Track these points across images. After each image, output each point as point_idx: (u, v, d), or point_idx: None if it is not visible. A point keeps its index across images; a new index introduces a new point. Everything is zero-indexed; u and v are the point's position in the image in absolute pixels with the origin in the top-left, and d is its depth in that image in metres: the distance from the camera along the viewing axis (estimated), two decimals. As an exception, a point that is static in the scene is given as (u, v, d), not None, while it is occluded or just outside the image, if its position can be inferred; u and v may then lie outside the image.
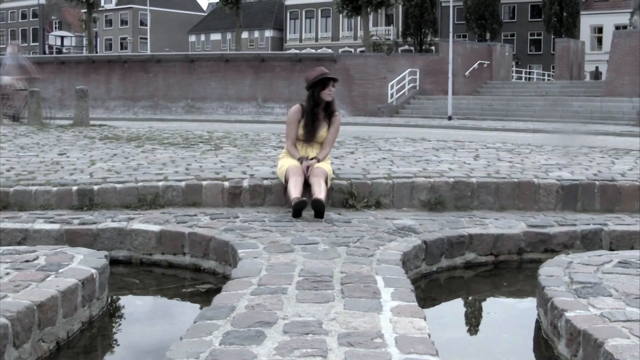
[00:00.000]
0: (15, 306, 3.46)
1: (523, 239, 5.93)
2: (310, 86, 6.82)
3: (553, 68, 52.73)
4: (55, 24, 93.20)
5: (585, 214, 6.87)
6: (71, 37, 78.29)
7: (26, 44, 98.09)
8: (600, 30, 73.98)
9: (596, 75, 52.10)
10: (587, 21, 73.15)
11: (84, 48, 61.70)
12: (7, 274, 4.11)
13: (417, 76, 35.83)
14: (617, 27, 63.69)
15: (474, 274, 5.67)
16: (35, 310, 3.54)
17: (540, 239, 5.97)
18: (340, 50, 68.12)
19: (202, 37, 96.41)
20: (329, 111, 6.89)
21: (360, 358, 2.92)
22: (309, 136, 6.81)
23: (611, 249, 5.72)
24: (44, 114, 19.81)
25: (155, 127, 17.95)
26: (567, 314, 3.54)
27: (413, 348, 3.04)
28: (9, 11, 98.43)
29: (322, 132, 6.84)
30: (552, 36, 66.46)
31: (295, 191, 6.32)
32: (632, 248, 5.80)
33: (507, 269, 5.78)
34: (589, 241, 6.04)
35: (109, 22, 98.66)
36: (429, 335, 3.22)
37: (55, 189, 6.90)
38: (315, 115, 6.81)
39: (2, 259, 4.47)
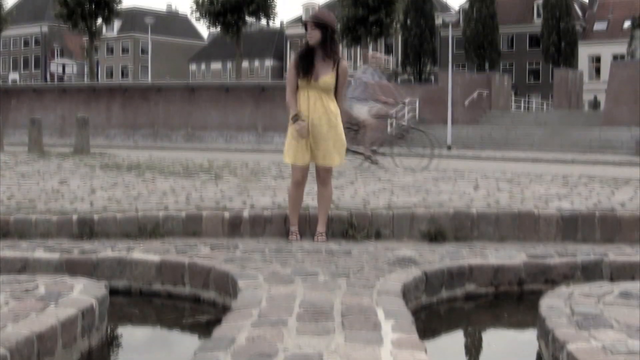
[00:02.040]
0: (15, 336, 3.44)
1: (523, 270, 5.92)
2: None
3: (552, 97, 52.98)
4: (58, 51, 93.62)
5: (585, 245, 6.86)
6: (73, 64, 78.53)
7: (28, 71, 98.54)
8: (598, 59, 74.40)
9: (595, 104, 52.32)
10: (585, 51, 73.61)
11: (86, 76, 61.90)
12: (7, 303, 4.10)
13: (417, 106, 35.91)
14: (615, 57, 64.09)
15: (475, 305, 5.65)
16: (34, 341, 3.53)
17: (540, 269, 5.95)
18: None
19: (203, 66, 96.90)
20: (327, 54, 6.61)
21: (361, 391, 2.91)
22: (306, 73, 6.54)
23: (612, 280, 5.70)
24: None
25: (156, 156, 17.98)
26: (569, 346, 3.52)
27: (414, 381, 3.03)
28: (12, 38, 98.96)
29: (327, 77, 6.56)
30: (551, 66, 66.85)
31: (293, 220, 6.79)
32: (633, 279, 5.78)
33: (508, 300, 5.76)
34: (590, 272, 6.02)
35: (111, 50, 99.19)
36: (430, 368, 3.21)
37: (55, 217, 6.90)
38: (309, 54, 6.63)
39: (1, 287, 4.46)
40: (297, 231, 6.73)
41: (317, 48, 6.57)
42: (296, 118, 6.52)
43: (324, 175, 6.68)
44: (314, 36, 6.56)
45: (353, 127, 14.94)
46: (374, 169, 13.20)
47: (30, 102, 41.80)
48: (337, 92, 6.67)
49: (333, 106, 6.62)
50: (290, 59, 7.01)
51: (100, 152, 19.09)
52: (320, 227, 6.72)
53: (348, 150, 13.91)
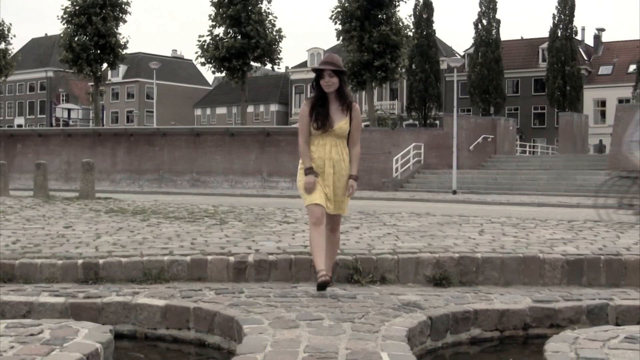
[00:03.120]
0: (20, 382, 3.45)
1: (529, 314, 5.91)
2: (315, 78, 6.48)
3: (557, 142, 53.08)
4: (63, 96, 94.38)
5: (590, 289, 6.85)
6: (78, 109, 79.07)
7: (33, 116, 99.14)
8: (603, 103, 74.61)
9: (600, 148, 52.36)
10: (590, 95, 73.87)
11: (91, 121, 62.32)
12: (12, 347, 4.10)
13: (422, 150, 36.02)
14: (620, 101, 64.29)
15: (480, 349, 5.63)
16: (39, 386, 3.53)
17: (546, 314, 5.94)
18: (345, 123, 68.53)
19: (208, 111, 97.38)
20: (343, 100, 6.40)
21: None
22: (322, 124, 6.29)
23: (617, 324, 5.69)
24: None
25: (161, 201, 18.02)
26: (574, 392, 3.51)
27: None
28: (18, 83, 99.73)
29: (342, 123, 6.32)
30: (556, 110, 67.05)
31: (319, 262, 6.18)
32: (638, 323, 5.76)
33: (513, 344, 5.75)
34: (595, 316, 6.01)
35: (116, 95, 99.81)
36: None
37: (60, 262, 6.92)
38: (324, 101, 6.37)
39: (6, 332, 4.46)
40: (326, 273, 6.14)
41: (331, 95, 6.37)
42: (309, 172, 6.30)
43: (335, 223, 6.50)
44: (334, 84, 6.33)
45: (631, 175, 12.63)
46: (379, 213, 13.19)
47: (36, 147, 42.06)
48: (350, 136, 6.44)
49: (346, 153, 6.42)
50: (301, 106, 6.55)
51: (106, 197, 19.14)
52: (329, 270, 6.43)
53: (620, 203, 12.76)
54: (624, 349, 4.30)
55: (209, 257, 7.05)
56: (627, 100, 64.48)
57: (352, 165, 6.40)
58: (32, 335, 4.41)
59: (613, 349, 4.30)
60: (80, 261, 6.93)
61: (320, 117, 6.32)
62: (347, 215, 6.76)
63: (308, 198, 6.30)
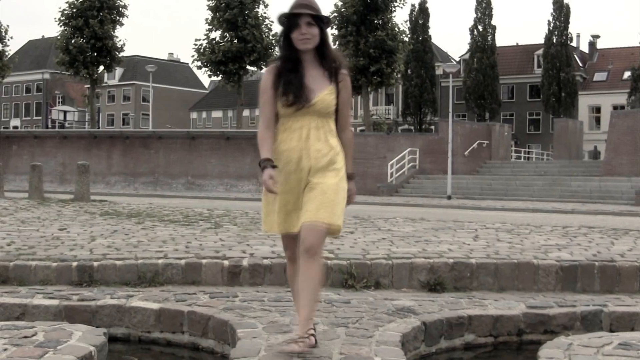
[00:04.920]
0: (13, 384, 3.44)
1: (523, 320, 5.91)
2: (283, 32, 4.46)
3: (552, 147, 53.20)
4: (59, 98, 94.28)
5: (585, 295, 6.86)
6: (74, 111, 79.11)
7: (29, 118, 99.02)
8: (598, 110, 74.80)
9: (595, 154, 52.45)
10: (585, 101, 74.07)
11: (87, 123, 62.28)
12: (5, 349, 4.09)
13: (417, 155, 36.05)
14: (615, 107, 64.44)
15: (474, 355, 5.64)
16: (33, 389, 3.52)
17: (539, 320, 5.94)
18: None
19: (204, 114, 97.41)
20: (326, 62, 4.46)
21: None
22: (295, 97, 4.33)
23: (611, 331, 5.70)
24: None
25: (156, 204, 18.01)
26: (567, 398, 3.52)
27: None
28: (14, 85, 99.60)
29: (325, 94, 4.36)
30: (551, 116, 67.22)
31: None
32: (632, 329, 5.77)
33: (507, 350, 5.75)
34: (589, 322, 6.01)
35: (112, 98, 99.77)
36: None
37: (55, 264, 6.91)
38: (296, 64, 4.42)
39: (0, 334, 4.46)
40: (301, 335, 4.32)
41: (307, 55, 4.42)
42: (266, 165, 4.26)
43: (312, 242, 4.22)
44: (313, 37, 4.37)
45: None
46: (374, 218, 13.19)
47: (31, 149, 42.01)
48: (338, 116, 4.49)
49: (335, 141, 4.43)
50: (263, 76, 4.56)
51: (101, 200, 19.13)
52: (303, 326, 4.32)
53: None
54: (618, 355, 4.31)
55: (204, 261, 7.04)
56: (622, 107, 64.62)
57: (347, 159, 4.49)
58: (25, 337, 4.40)
59: (607, 355, 4.30)
60: (74, 264, 6.92)
61: (291, 86, 4.35)
62: (338, 228, 4.25)
63: (271, 223, 4.48)
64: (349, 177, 4.49)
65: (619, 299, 6.65)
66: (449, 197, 30.39)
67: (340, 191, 4.35)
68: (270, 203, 4.45)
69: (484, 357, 5.65)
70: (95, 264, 6.93)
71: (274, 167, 4.25)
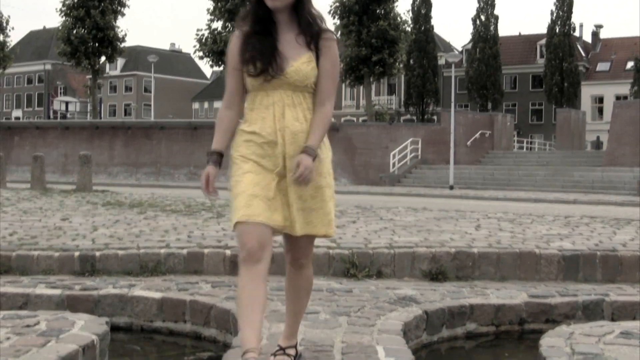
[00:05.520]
0: (16, 372, 3.45)
1: (524, 310, 5.91)
2: None
3: (554, 138, 53.12)
4: (61, 89, 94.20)
5: (586, 285, 6.86)
6: (76, 102, 79.07)
7: (31, 109, 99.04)
8: (601, 100, 74.67)
9: (597, 145, 52.39)
10: (588, 91, 73.94)
11: (88, 113, 62.27)
12: (8, 338, 4.10)
13: (419, 146, 36.01)
14: (618, 97, 64.27)
15: (475, 344, 5.64)
16: (35, 377, 3.53)
17: (541, 309, 5.95)
18: (342, 119, 68.63)
19: (206, 105, 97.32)
20: (304, 24, 3.67)
21: None
22: (264, 65, 3.59)
23: (613, 320, 5.70)
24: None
25: (158, 194, 18.01)
26: (569, 386, 3.52)
27: (414, 419, 3.04)
28: (15, 76, 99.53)
29: (300, 63, 3.61)
30: (554, 106, 67.05)
31: (246, 332, 3.54)
32: (634, 319, 5.78)
33: (509, 339, 5.76)
34: (591, 312, 6.01)
35: (114, 88, 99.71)
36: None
37: (57, 254, 6.92)
38: (267, 26, 3.67)
39: (3, 323, 4.46)
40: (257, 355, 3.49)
41: (281, 15, 3.67)
42: (209, 159, 3.82)
43: (302, 251, 3.81)
44: None
45: None
46: (376, 208, 13.17)
47: (33, 140, 42.00)
48: (318, 88, 3.69)
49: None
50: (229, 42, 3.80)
51: (103, 190, 19.13)
52: (286, 339, 3.92)
53: None
54: (620, 344, 4.30)
55: (206, 250, 7.05)
56: (625, 97, 64.48)
57: (312, 130, 3.62)
58: (28, 326, 4.41)
59: (608, 344, 4.30)
60: (77, 253, 6.94)
61: (260, 52, 3.61)
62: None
63: (237, 209, 3.62)
64: (306, 151, 3.53)
65: (621, 289, 6.65)
66: (451, 187, 30.37)
67: (332, 196, 3.75)
68: (239, 181, 3.69)
69: (485, 346, 5.65)
70: (98, 253, 6.94)
71: (218, 162, 3.75)
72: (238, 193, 3.61)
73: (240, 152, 3.69)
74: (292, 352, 3.84)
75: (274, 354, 3.82)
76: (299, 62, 3.59)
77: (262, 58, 3.57)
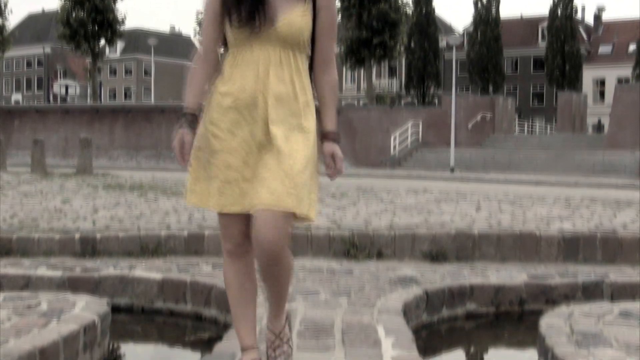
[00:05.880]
0: (17, 351, 3.46)
1: (524, 290, 5.92)
2: None
3: (555, 121, 53.09)
4: (60, 72, 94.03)
5: (586, 266, 6.87)
6: (75, 86, 78.90)
7: (31, 93, 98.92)
8: (602, 83, 74.56)
9: (599, 128, 52.37)
10: (589, 74, 73.79)
11: (88, 97, 62.18)
12: (9, 319, 4.12)
13: (420, 128, 35.99)
14: (620, 81, 64.17)
15: (475, 324, 5.66)
16: (36, 355, 3.54)
17: (541, 290, 5.96)
18: (343, 102, 68.54)
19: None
20: None
21: (361, 406, 2.93)
22: (249, 15, 3.05)
23: (612, 301, 5.71)
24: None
25: (158, 177, 18.02)
26: (568, 365, 3.53)
27: (413, 397, 3.05)
28: (15, 59, 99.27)
29: (294, 15, 3.06)
30: (555, 89, 66.94)
31: (242, 332, 3.34)
32: (633, 299, 5.79)
33: (508, 319, 5.77)
34: (591, 293, 6.02)
35: (113, 72, 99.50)
36: (429, 385, 3.22)
37: (58, 236, 6.93)
38: None
39: (4, 304, 4.48)
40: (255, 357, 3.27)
41: None
42: (182, 121, 3.17)
43: (272, 241, 2.98)
44: None
45: None
46: (377, 190, 13.17)
47: (33, 123, 41.97)
48: (315, 47, 3.18)
49: (305, 87, 3.14)
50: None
51: (103, 173, 19.14)
52: (272, 323, 3.39)
53: None
54: (619, 324, 4.31)
55: (206, 232, 7.06)
56: (627, 80, 64.36)
57: (326, 111, 3.20)
58: (29, 307, 4.43)
59: (608, 324, 4.31)
60: (77, 235, 6.94)
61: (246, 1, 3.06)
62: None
63: (210, 195, 3.16)
64: (334, 138, 3.15)
65: (621, 270, 6.66)
66: (452, 170, 30.38)
67: (309, 165, 3.02)
68: (201, 165, 3.16)
69: (485, 327, 5.67)
70: (98, 235, 6.95)
71: (193, 125, 3.14)
72: (212, 177, 3.10)
73: (212, 118, 3.10)
74: (285, 333, 3.38)
75: (273, 347, 3.33)
76: (291, 14, 3.05)
77: (248, 7, 3.04)
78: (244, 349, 3.26)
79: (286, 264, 3.14)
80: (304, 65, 3.13)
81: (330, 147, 3.13)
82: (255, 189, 2.98)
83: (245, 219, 3.09)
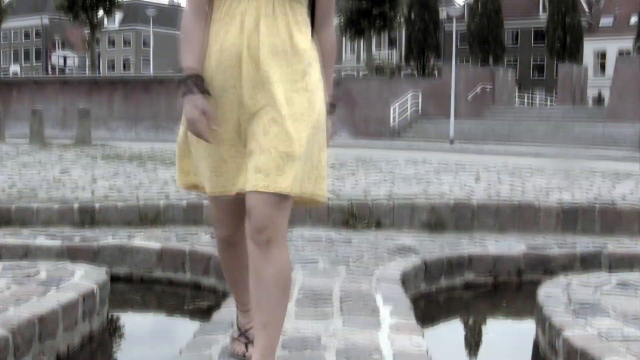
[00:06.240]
0: (16, 318, 3.47)
1: (523, 260, 5.94)
2: None
3: (556, 93, 52.95)
4: (59, 43, 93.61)
5: (585, 237, 6.87)
6: (74, 57, 78.59)
7: (29, 64, 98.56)
8: (603, 55, 74.24)
9: (599, 100, 52.27)
10: (590, 46, 73.44)
11: (87, 68, 61.94)
12: (9, 288, 4.13)
13: (420, 100, 35.92)
14: (621, 53, 63.93)
15: (473, 294, 5.68)
16: (35, 323, 3.56)
17: (539, 260, 5.97)
18: (343, 73, 68.34)
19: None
20: None
21: (358, 373, 2.94)
22: None
23: (610, 271, 5.73)
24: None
25: (157, 148, 18.00)
26: (565, 333, 3.54)
27: (411, 364, 3.06)
28: (12, 31, 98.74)
29: None
30: (556, 61, 66.69)
31: (245, 293, 2.94)
32: (631, 270, 5.80)
33: (507, 289, 5.79)
34: (589, 263, 6.04)
35: (112, 43, 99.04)
36: (427, 352, 3.23)
37: (57, 206, 6.93)
38: None
39: (3, 273, 4.49)
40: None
41: None
42: (191, 85, 2.60)
43: (265, 220, 2.52)
44: None
45: None
46: (376, 160, 13.16)
47: (32, 95, 41.83)
48: (319, 6, 2.77)
49: (306, 40, 2.67)
50: None
51: (102, 144, 19.12)
52: (261, 352, 2.62)
53: None
54: (616, 294, 4.33)
55: (205, 201, 7.03)
56: (628, 53, 64.11)
57: (325, 72, 2.74)
58: (28, 276, 4.44)
59: (605, 293, 4.33)
60: (76, 205, 6.95)
61: None
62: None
63: (202, 176, 2.81)
64: (327, 109, 2.68)
65: (619, 241, 6.67)
66: (452, 141, 30.35)
67: (315, 132, 2.57)
68: (190, 141, 2.77)
69: (483, 296, 5.69)
70: (97, 205, 6.95)
71: (200, 85, 2.59)
72: (204, 156, 2.68)
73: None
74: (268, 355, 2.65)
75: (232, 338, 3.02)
76: None
77: None
78: (245, 310, 2.98)
79: (281, 266, 2.58)
80: (303, 16, 2.66)
81: (330, 119, 2.72)
82: (246, 166, 2.57)
83: (238, 205, 2.64)
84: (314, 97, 2.58)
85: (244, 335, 3.02)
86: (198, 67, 2.62)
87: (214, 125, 2.57)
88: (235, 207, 2.71)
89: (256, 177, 2.47)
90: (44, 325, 3.63)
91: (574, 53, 66.96)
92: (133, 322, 5.04)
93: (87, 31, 54.41)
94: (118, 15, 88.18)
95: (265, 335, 2.59)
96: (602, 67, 74.04)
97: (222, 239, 2.89)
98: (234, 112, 2.60)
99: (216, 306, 4.33)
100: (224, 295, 4.91)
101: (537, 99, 55.79)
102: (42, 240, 6.07)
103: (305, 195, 2.54)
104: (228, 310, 3.84)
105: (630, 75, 32.37)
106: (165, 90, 39.95)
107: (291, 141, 2.47)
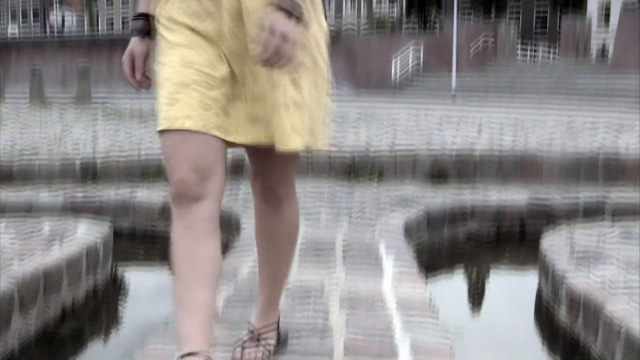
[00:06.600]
0: (21, 273, 3.48)
1: (525, 210, 5.93)
2: None
3: (559, 46, 52.63)
4: (56, 3, 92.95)
5: (588, 187, 6.87)
6: (72, 16, 78.09)
7: (27, 24, 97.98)
8: (607, 7, 73.68)
9: (602, 52, 51.93)
10: (594, -1, 72.86)
11: (85, 27, 61.57)
12: (12, 243, 4.14)
13: (421, 54, 35.70)
14: (625, 4, 63.46)
15: (476, 244, 5.68)
16: (40, 277, 3.56)
17: (542, 210, 5.97)
18: (344, 28, 67.93)
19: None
20: None
21: (362, 320, 2.94)
22: None
23: (613, 221, 5.73)
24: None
25: (159, 105, 17.94)
26: (568, 281, 3.55)
27: (414, 311, 3.06)
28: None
29: None
30: (559, 14, 66.19)
31: (186, 324, 2.02)
32: (634, 220, 5.80)
33: (509, 239, 5.79)
34: (592, 213, 6.04)
35: (110, 1, 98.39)
36: (430, 299, 3.24)
37: (58, 162, 6.93)
38: None
39: (7, 229, 4.50)
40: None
41: None
42: (135, 28, 2.31)
43: (274, 177, 2.36)
44: None
45: None
46: (377, 114, 13.12)
47: (31, 55, 41.65)
48: None
49: None
50: None
51: (102, 102, 19.06)
52: (261, 317, 2.52)
53: None
54: (619, 243, 4.33)
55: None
56: (633, 4, 63.61)
57: None
58: (32, 231, 4.45)
59: (608, 242, 4.33)
60: (78, 162, 6.94)
61: None
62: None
63: (159, 110, 2.04)
64: (287, 6, 1.87)
65: (622, 191, 6.67)
66: (454, 95, 30.24)
67: (319, 84, 2.18)
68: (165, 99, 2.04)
69: (486, 246, 5.69)
70: (99, 161, 6.94)
71: (145, 31, 2.28)
72: (161, 82, 2.05)
73: (166, 12, 2.12)
74: (270, 336, 2.49)
75: (242, 345, 2.44)
76: None
77: None
78: (185, 354, 1.96)
79: (291, 221, 2.42)
80: None
81: (269, 17, 1.88)
82: (257, 125, 2.13)
83: (204, 146, 2.03)
84: (309, 32, 2.12)
85: None
86: (145, 8, 2.29)
87: (140, 74, 2.24)
88: (201, 148, 2.02)
89: (290, 139, 2.07)
90: (48, 280, 3.64)
91: (578, 5, 66.49)
92: (136, 276, 5.05)
93: (85, -10, 54.05)
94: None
95: (272, 287, 2.49)
96: (607, 19, 73.54)
97: (176, 195, 2.09)
98: (211, 43, 2.06)
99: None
100: (225, 247, 4.92)
101: (540, 53, 55.50)
102: (44, 196, 6.08)
103: (311, 148, 2.17)
104: (231, 261, 3.85)
105: (635, 28, 32.12)
106: (165, 48, 39.71)
107: (300, 90, 2.09)
